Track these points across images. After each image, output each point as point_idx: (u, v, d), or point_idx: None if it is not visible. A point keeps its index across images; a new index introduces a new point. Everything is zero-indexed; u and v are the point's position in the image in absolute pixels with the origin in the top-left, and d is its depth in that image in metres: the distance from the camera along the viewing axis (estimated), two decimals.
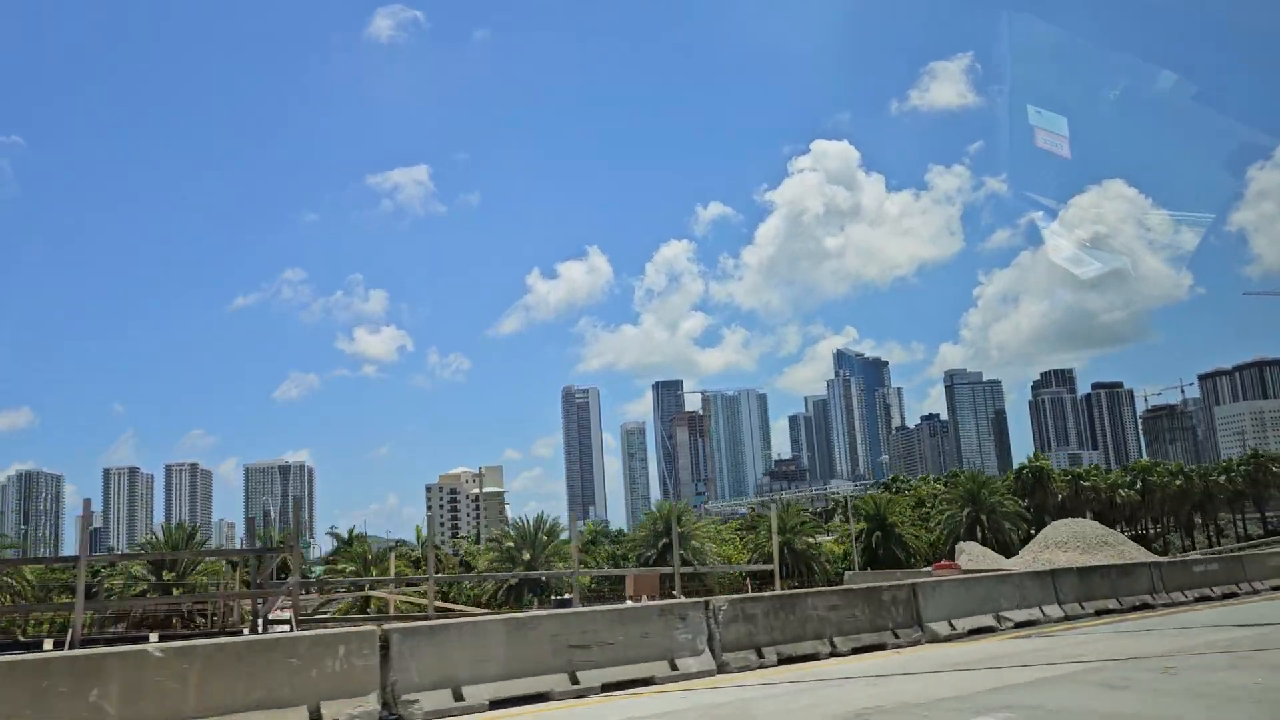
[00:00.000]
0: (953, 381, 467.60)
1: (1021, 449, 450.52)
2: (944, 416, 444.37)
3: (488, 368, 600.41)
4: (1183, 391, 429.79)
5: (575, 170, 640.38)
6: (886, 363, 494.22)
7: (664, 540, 53.13)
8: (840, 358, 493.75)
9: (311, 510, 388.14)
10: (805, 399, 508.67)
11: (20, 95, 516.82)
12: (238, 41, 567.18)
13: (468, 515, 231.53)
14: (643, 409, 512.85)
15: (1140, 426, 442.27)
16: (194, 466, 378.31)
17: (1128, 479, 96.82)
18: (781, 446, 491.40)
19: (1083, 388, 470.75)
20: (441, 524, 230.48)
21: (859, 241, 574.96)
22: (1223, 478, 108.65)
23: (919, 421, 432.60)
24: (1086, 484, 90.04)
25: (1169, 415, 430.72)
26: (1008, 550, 73.87)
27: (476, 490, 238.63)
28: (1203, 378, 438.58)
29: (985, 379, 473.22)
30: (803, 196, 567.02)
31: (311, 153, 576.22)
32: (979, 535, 71.73)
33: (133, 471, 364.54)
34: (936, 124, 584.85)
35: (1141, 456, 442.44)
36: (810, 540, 65.84)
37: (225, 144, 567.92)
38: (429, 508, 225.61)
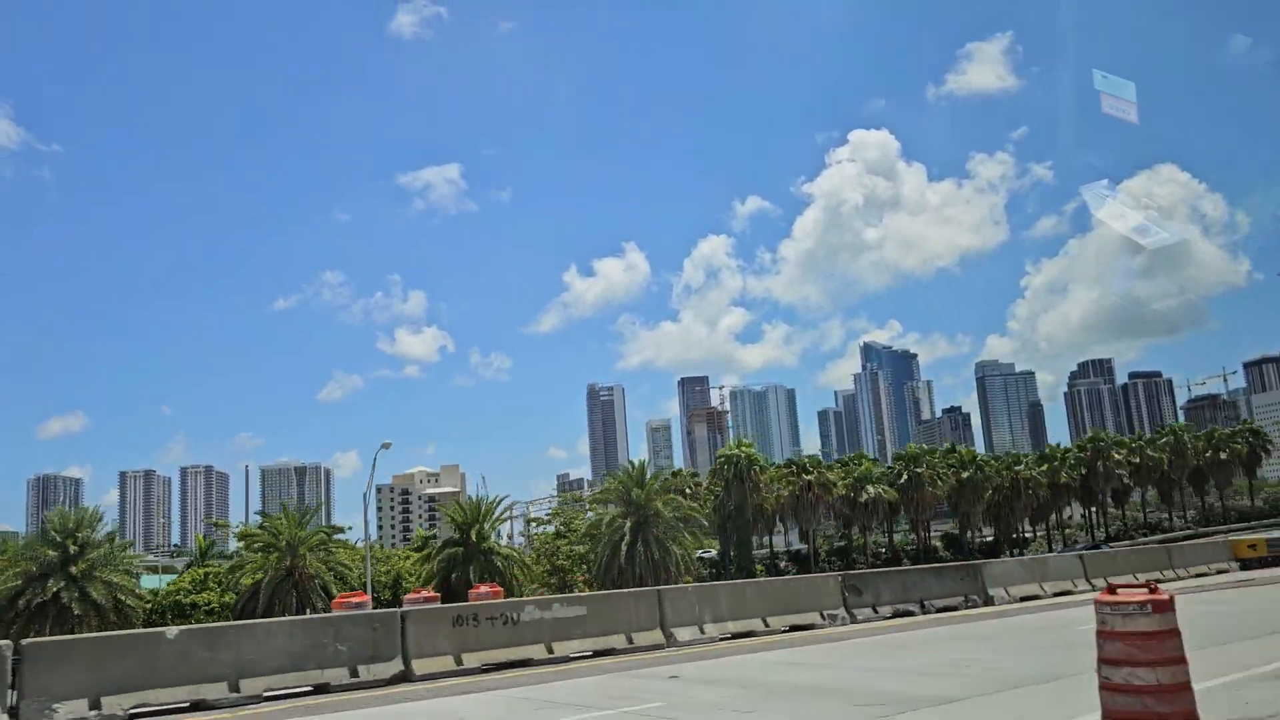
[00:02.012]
0: (984, 374, 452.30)
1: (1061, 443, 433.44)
2: (968, 409, 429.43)
3: (529, 366, 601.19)
4: (1225, 380, 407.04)
5: (608, 166, 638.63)
6: (915, 355, 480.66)
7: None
8: (867, 350, 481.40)
9: (330, 513, 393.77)
10: (835, 393, 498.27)
11: (57, 105, 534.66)
12: (260, 45, 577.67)
13: (419, 516, 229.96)
14: (676, 406, 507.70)
15: (1182, 417, 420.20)
16: (209, 469, 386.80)
17: (886, 471, 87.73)
18: (812, 442, 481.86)
19: (1131, 377, 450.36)
20: (393, 525, 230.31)
21: (898, 231, 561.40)
22: (1042, 468, 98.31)
23: (940, 414, 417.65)
24: (810, 476, 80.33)
25: (1211, 405, 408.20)
26: (659, 575, 57.29)
27: (429, 490, 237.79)
28: (1248, 365, 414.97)
29: (1018, 370, 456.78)
30: (841, 188, 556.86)
31: (341, 153, 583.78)
32: (633, 553, 58.15)
33: (148, 474, 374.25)
34: (976, 109, 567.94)
35: None
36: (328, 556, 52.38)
37: (255, 146, 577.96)
38: (379, 509, 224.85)
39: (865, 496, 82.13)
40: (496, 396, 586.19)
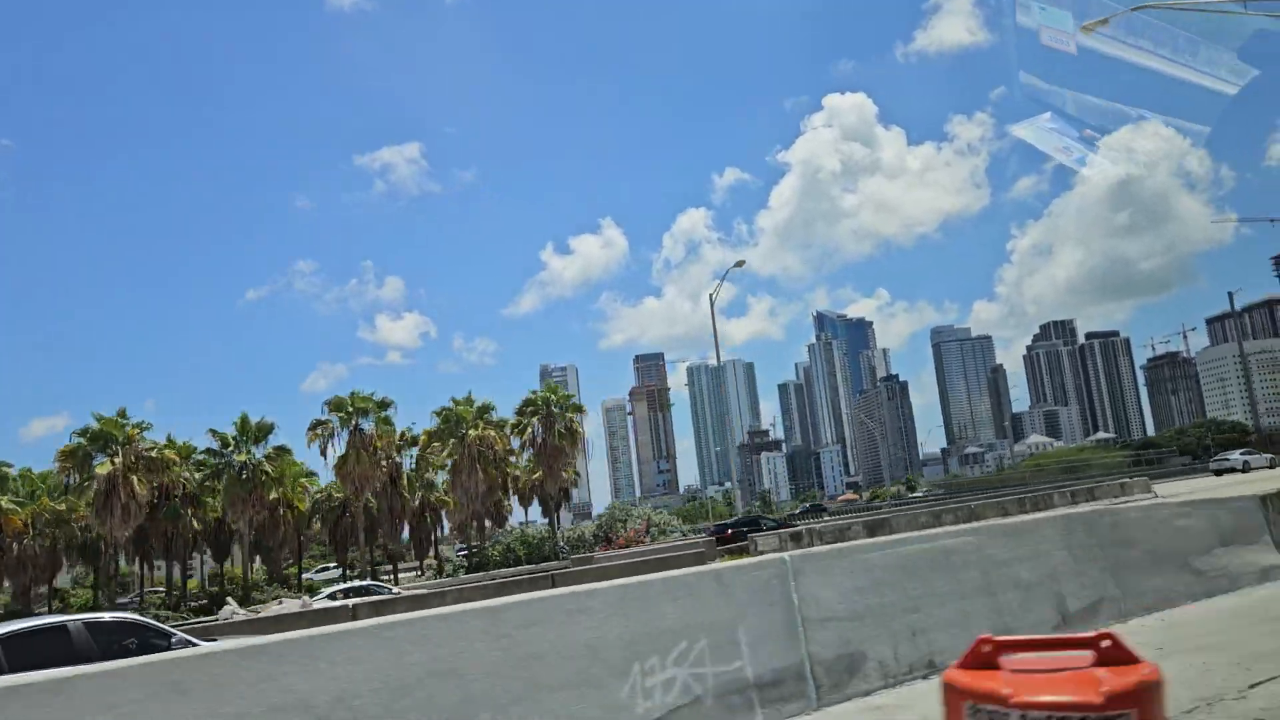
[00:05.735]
0: (939, 340, 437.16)
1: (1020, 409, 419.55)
2: (925, 378, 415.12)
3: (513, 349, 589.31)
4: (1185, 337, 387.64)
5: (578, 141, 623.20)
6: (871, 323, 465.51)
7: None
8: (821, 320, 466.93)
9: None
10: (795, 365, 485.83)
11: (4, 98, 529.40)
12: (194, 26, 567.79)
13: None
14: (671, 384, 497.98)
15: (1142, 377, 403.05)
16: None
17: None
18: (776, 417, 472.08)
19: (1088, 338, 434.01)
20: None
21: (876, 197, 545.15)
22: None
23: (876, 384, 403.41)
24: None
25: (1170, 364, 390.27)
26: None
27: None
28: (1210, 321, 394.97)
29: (974, 335, 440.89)
30: (817, 155, 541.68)
31: (292, 136, 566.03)
32: None
33: None
34: (949, 67, 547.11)
35: (1141, 411, 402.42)
36: None
37: (202, 132, 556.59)
38: None
39: None
40: (484, 380, 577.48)
